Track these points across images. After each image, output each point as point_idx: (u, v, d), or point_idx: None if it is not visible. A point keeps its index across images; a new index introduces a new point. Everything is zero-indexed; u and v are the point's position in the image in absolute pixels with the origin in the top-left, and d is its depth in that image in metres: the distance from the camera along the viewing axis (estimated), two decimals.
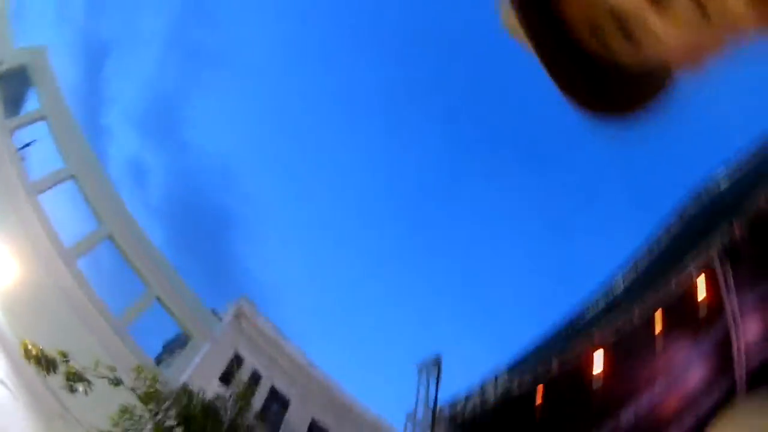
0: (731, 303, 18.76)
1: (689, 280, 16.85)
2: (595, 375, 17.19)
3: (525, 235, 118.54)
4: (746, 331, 19.81)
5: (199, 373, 21.03)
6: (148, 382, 13.97)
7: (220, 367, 23.20)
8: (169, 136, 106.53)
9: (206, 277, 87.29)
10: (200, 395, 14.86)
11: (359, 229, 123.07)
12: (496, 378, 17.61)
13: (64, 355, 13.10)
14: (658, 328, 17.38)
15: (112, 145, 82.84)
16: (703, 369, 20.47)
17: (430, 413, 17.81)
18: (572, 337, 17.69)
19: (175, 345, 24.72)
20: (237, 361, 24.09)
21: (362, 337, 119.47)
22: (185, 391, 14.79)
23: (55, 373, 12.89)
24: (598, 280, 19.57)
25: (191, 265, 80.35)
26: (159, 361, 22.98)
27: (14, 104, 22.22)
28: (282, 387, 25.54)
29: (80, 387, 13.06)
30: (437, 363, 19.09)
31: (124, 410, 13.51)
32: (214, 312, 24.97)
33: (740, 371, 21.36)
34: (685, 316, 17.61)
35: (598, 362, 17.11)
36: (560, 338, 18.20)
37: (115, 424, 13.36)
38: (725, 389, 21.76)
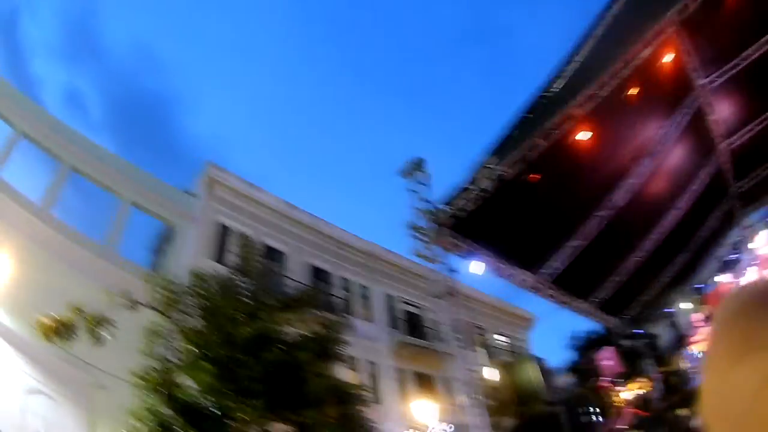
0: (698, 76, 18.76)
1: (652, 49, 16.59)
2: (582, 145, 17.26)
3: (465, 40, 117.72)
4: (718, 110, 19.99)
5: (193, 259, 20.76)
6: (161, 290, 13.16)
7: (211, 244, 23.23)
8: (91, 54, 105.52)
9: (169, 164, 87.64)
10: (213, 275, 14.00)
11: (295, 63, 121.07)
12: (483, 165, 17.46)
13: (78, 309, 12.58)
14: (632, 97, 17.34)
15: (46, 86, 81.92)
16: (684, 146, 20.81)
17: (429, 218, 17.76)
18: (547, 111, 17.54)
19: (163, 243, 24.45)
20: (225, 232, 24.18)
21: (335, 166, 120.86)
22: (197, 277, 13.78)
23: (76, 335, 12.50)
24: (554, 58, 19.23)
25: (152, 159, 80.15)
26: (154, 266, 22.68)
27: None
28: (274, 241, 25.65)
29: (105, 332, 12.60)
30: (419, 165, 18.81)
31: (151, 332, 12.84)
32: (189, 192, 24.63)
33: (723, 154, 21.80)
34: (654, 87, 17.53)
35: (581, 132, 17.13)
36: (536, 115, 18.00)
37: (149, 354, 12.64)
38: (712, 173, 22.34)
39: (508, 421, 22.45)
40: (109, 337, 12.71)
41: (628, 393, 22.90)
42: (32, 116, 21.03)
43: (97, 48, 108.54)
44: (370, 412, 14.63)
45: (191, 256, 21.35)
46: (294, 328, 13.88)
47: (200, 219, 23.36)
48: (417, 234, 17.38)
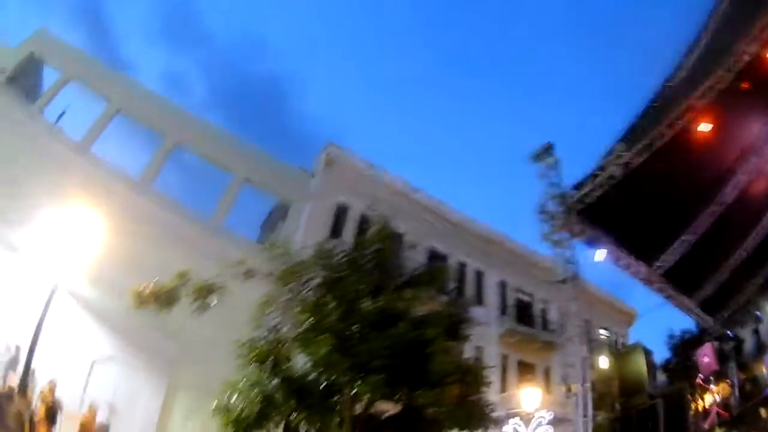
0: None
1: (760, 43, 16.28)
2: (700, 137, 17.14)
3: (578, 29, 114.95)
4: None
5: (308, 235, 20.76)
6: (282, 258, 12.73)
7: (328, 222, 23.53)
8: (190, 34, 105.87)
9: (282, 142, 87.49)
10: (339, 249, 13.66)
11: (415, 46, 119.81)
12: (612, 151, 17.50)
13: (183, 275, 12.15)
14: (743, 91, 17.10)
15: (144, 69, 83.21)
16: None
17: (559, 202, 17.69)
18: (671, 101, 17.52)
19: (275, 220, 24.73)
20: (342, 211, 24.35)
21: (457, 149, 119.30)
22: (321, 249, 13.37)
23: (177, 303, 12.12)
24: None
25: (261, 139, 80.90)
26: (262, 242, 22.31)
27: (35, 90, 22.12)
28: (393, 222, 24.89)
29: (214, 298, 12.16)
30: (549, 149, 18.68)
31: (265, 303, 12.58)
32: (305, 171, 24.98)
33: None
34: (763, 82, 17.28)
35: (702, 124, 17.04)
36: (660, 105, 17.99)
37: (258, 326, 12.50)
38: None
39: (609, 414, 22.23)
40: (216, 304, 12.34)
41: (714, 394, 22.74)
42: (131, 94, 21.58)
43: (199, 33, 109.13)
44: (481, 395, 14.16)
45: (306, 233, 21.49)
46: (419, 306, 13.28)
47: (318, 197, 23.62)
48: (546, 218, 17.37)
